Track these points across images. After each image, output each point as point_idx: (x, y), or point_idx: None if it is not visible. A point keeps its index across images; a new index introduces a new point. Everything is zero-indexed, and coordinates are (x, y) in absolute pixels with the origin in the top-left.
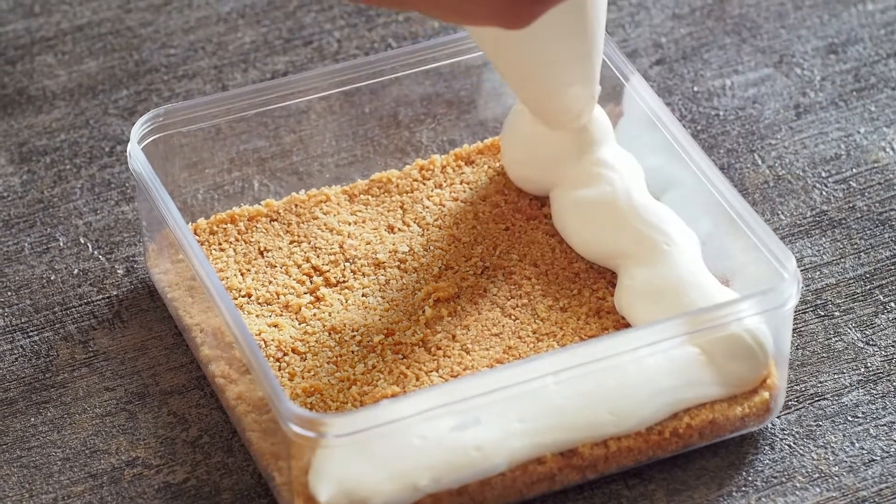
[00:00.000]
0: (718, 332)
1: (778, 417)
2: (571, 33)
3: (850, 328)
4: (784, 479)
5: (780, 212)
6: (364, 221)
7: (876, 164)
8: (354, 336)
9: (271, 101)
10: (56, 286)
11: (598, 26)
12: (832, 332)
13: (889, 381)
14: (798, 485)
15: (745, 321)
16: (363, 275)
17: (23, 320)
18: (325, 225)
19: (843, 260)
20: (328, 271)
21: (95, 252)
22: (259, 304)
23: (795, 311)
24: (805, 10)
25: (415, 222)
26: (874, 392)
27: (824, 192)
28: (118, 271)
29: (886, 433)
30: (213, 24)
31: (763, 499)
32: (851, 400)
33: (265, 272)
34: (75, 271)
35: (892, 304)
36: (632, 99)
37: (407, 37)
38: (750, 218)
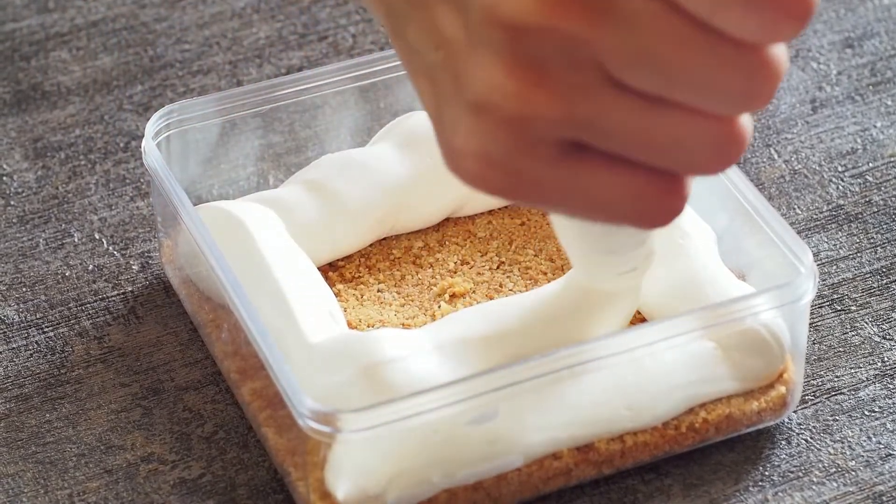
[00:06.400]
0: (735, 326)
1: (794, 412)
2: None
3: (866, 323)
4: (801, 474)
5: (796, 206)
6: None
7: (892, 159)
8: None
9: (286, 97)
10: (71, 282)
11: None
12: (849, 326)
13: None
14: (815, 479)
15: (761, 316)
16: (378, 270)
17: (38, 316)
18: None
19: (859, 254)
20: (343, 266)
21: (110, 248)
22: None
23: (812, 306)
24: (821, 5)
25: None
26: (891, 387)
27: (840, 187)
28: (133, 267)
29: None
30: (227, 20)
31: (780, 493)
32: (868, 394)
33: None
34: (90, 267)
35: None
36: None
37: None
38: (766, 212)
